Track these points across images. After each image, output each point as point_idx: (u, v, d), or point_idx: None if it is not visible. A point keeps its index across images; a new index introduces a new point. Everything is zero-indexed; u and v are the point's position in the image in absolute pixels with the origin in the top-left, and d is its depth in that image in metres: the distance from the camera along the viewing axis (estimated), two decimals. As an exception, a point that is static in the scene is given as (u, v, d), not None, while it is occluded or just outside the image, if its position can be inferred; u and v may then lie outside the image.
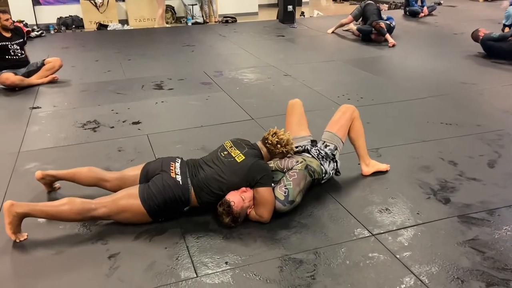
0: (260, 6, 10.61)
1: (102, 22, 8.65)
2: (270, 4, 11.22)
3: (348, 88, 4.59)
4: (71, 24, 8.64)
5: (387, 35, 6.65)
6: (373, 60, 5.88)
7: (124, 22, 8.97)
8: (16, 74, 4.72)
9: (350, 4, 11.48)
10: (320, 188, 2.65)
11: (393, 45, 6.53)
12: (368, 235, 2.22)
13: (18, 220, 2.17)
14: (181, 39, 7.44)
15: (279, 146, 2.43)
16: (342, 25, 7.57)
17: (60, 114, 4.01)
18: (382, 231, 2.25)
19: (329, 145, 2.63)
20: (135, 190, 2.25)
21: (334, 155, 2.62)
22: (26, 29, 6.99)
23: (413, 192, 2.61)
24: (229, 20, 9.15)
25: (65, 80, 5.04)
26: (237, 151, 2.38)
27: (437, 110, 3.93)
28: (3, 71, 4.69)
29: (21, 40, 4.89)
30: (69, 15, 8.75)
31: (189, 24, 9.01)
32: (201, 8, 9.19)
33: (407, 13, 9.07)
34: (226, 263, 2.03)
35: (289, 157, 2.53)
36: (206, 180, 2.29)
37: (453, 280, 1.91)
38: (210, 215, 2.37)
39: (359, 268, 1.99)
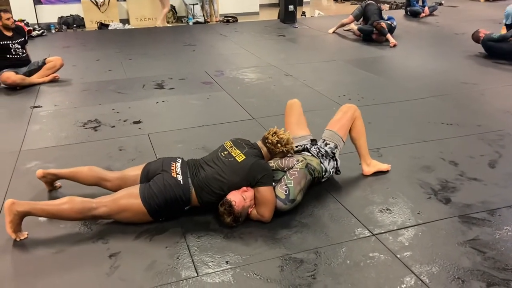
0: (261, 5, 10.61)
1: (103, 22, 8.66)
2: (271, 4, 11.22)
3: (349, 88, 4.59)
4: (72, 23, 8.64)
5: (388, 35, 6.64)
6: (374, 60, 5.87)
7: (125, 21, 8.97)
8: (17, 73, 4.73)
9: (351, 4, 11.48)
10: (320, 188, 2.65)
11: (394, 45, 6.52)
12: (368, 234, 2.22)
13: (19, 218, 2.17)
14: (182, 38, 7.44)
15: (279, 145, 2.43)
16: (343, 25, 7.57)
17: (61, 113, 4.02)
18: (382, 231, 2.25)
19: (329, 144, 2.63)
20: (135, 189, 2.26)
21: (334, 153, 2.62)
22: (27, 28, 6.99)
23: (413, 192, 2.61)
24: (230, 19, 9.16)
25: (66, 79, 5.04)
26: (238, 150, 2.38)
27: (438, 110, 3.93)
28: (4, 70, 4.69)
29: (23, 39, 4.89)
30: (70, 15, 8.76)
31: (190, 23, 9.02)
32: (202, 7, 9.20)
33: (408, 13, 9.07)
34: (227, 262, 2.04)
35: (289, 156, 2.53)
36: (207, 180, 2.29)
37: (453, 280, 1.91)
38: (211, 215, 2.37)
39: (359, 267, 1.99)
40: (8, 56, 4.75)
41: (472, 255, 2.06)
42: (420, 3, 9.06)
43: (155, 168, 2.36)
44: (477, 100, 4.22)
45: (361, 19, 7.34)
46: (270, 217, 2.29)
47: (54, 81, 4.96)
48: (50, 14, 8.67)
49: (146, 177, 2.35)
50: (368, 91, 4.47)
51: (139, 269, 2.00)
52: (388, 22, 6.83)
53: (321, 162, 2.56)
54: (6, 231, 2.17)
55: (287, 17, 8.61)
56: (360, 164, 2.82)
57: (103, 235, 2.23)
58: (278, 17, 9.07)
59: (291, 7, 8.55)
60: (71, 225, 2.31)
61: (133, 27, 8.73)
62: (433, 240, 2.18)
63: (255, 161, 2.32)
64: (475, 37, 5.98)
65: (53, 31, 8.31)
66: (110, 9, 8.79)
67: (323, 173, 2.56)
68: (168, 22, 9.11)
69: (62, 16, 8.70)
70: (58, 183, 2.67)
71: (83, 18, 8.75)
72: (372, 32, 6.82)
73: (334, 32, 7.65)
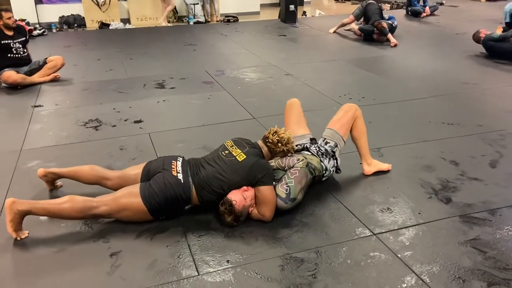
0: (262, 5, 10.61)
1: (104, 21, 8.67)
2: (272, 3, 11.22)
3: (350, 88, 4.59)
4: (73, 23, 8.65)
5: (389, 35, 6.64)
6: (375, 60, 5.87)
7: (126, 21, 8.97)
8: (18, 72, 4.73)
9: (352, 4, 11.47)
10: (321, 187, 2.65)
11: (395, 45, 6.52)
12: (369, 234, 2.22)
13: (20, 217, 2.17)
14: (182, 38, 7.45)
15: (279, 144, 2.43)
16: (343, 25, 7.56)
17: (62, 113, 4.02)
18: (383, 231, 2.25)
19: (329, 142, 2.63)
20: (136, 188, 2.26)
21: (334, 152, 2.62)
22: (28, 27, 6.99)
23: (414, 191, 2.61)
24: (230, 19, 9.16)
25: (67, 79, 5.05)
26: (238, 150, 2.38)
27: (438, 110, 3.93)
28: (5, 69, 4.70)
29: (24, 38, 4.90)
30: (71, 14, 8.76)
31: (191, 23, 9.02)
32: (203, 7, 9.20)
33: (409, 13, 9.06)
34: (228, 261, 2.04)
35: (290, 155, 2.53)
36: (208, 179, 2.29)
37: (454, 279, 1.91)
38: (212, 214, 2.37)
39: (360, 267, 1.99)
40: (9, 55, 4.75)
41: (473, 254, 2.06)
42: (421, 2, 9.06)
43: (156, 167, 2.36)
44: (478, 100, 4.22)
45: (362, 18, 7.33)
46: (271, 216, 2.30)
47: (55, 80, 4.96)
48: (51, 13, 8.67)
49: (147, 175, 2.35)
50: (368, 91, 4.47)
51: (140, 268, 2.00)
52: (389, 21, 6.82)
53: (321, 161, 2.56)
54: (7, 230, 2.17)
55: (288, 17, 8.61)
56: (361, 163, 2.82)
57: (104, 234, 2.24)
58: (279, 17, 9.07)
59: (292, 7, 8.55)
60: (72, 224, 2.31)
61: (134, 27, 8.73)
62: (434, 239, 2.18)
63: (255, 161, 2.33)
64: (476, 38, 5.98)
65: (54, 30, 8.31)
66: (111, 9, 8.79)
67: (324, 172, 2.56)
68: (169, 22, 9.11)
69: (63, 16, 8.70)
70: (59, 182, 2.67)
71: (84, 17, 8.76)
72: (373, 32, 6.82)
73: (334, 32, 7.64)
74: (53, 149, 3.27)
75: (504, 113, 3.85)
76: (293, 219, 2.35)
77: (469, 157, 3.03)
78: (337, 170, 2.67)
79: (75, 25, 8.64)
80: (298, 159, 2.47)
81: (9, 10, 4.89)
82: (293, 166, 2.44)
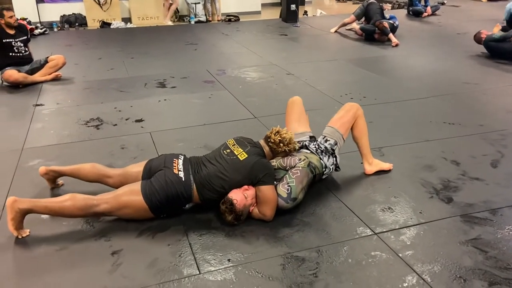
0: (263, 5, 10.61)
1: (105, 20, 8.67)
2: (273, 3, 11.21)
3: (351, 88, 4.59)
4: (74, 22, 8.65)
5: (390, 35, 6.64)
6: (376, 59, 5.87)
7: (127, 20, 8.97)
8: (19, 71, 4.74)
9: (353, 4, 11.46)
10: (322, 187, 2.66)
11: (396, 45, 6.51)
12: (370, 233, 2.22)
13: (21, 216, 2.18)
14: (184, 37, 7.45)
15: (281, 145, 2.43)
16: (344, 25, 7.56)
17: (63, 112, 4.02)
18: (384, 230, 2.25)
19: (329, 140, 2.63)
20: (137, 186, 2.26)
21: (333, 150, 2.62)
22: (29, 26, 7.00)
23: (415, 191, 2.61)
24: (232, 18, 9.16)
25: (68, 78, 5.05)
26: (240, 149, 2.38)
27: (440, 110, 3.93)
28: (6, 68, 4.70)
29: (25, 37, 4.90)
30: (72, 13, 8.76)
31: (192, 22, 9.02)
32: (204, 6, 9.20)
33: (411, 12, 9.05)
34: (229, 260, 2.04)
35: (291, 155, 2.53)
36: (209, 178, 2.30)
37: (455, 279, 1.91)
38: (213, 213, 2.37)
39: (361, 266, 1.99)
40: (10, 54, 4.75)
41: (474, 254, 2.06)
42: (423, 2, 9.05)
43: (157, 165, 2.36)
44: (479, 100, 4.22)
45: (363, 18, 7.33)
46: (272, 215, 2.30)
47: (56, 79, 4.97)
48: (52, 12, 8.67)
49: (148, 173, 2.35)
50: (369, 91, 4.47)
51: (141, 267, 2.00)
52: (390, 21, 6.82)
53: (320, 159, 2.56)
54: (8, 229, 2.18)
55: (289, 16, 8.61)
56: (362, 163, 2.82)
57: (105, 233, 2.24)
58: (280, 16, 9.07)
59: (293, 6, 8.55)
60: (74, 223, 2.31)
61: (135, 26, 8.73)
62: (435, 239, 2.18)
63: (257, 160, 2.33)
64: (477, 38, 5.98)
65: (55, 29, 8.31)
66: (112, 8, 8.79)
67: (323, 170, 2.56)
68: (165, 21, 9.12)
69: (64, 15, 8.70)
70: (60, 180, 2.68)
71: (85, 16, 8.76)
72: (374, 32, 6.81)
73: (336, 31, 7.64)
74: (54, 148, 3.27)
75: (505, 113, 3.84)
76: (294, 219, 2.35)
77: (470, 157, 3.03)
78: (337, 168, 2.67)
79: (77, 24, 8.64)
80: (300, 159, 2.47)
81: (10, 8, 4.89)
82: (294, 166, 2.44)
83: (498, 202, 2.49)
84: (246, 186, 2.30)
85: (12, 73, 4.64)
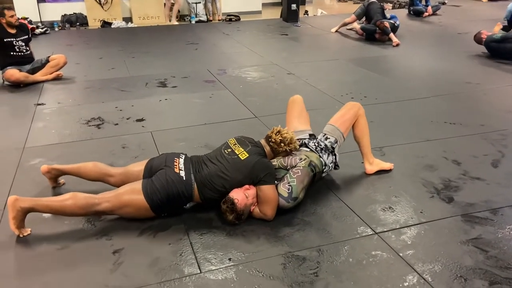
0: (264, 4, 10.60)
1: (106, 20, 8.67)
2: (274, 2, 11.21)
3: (352, 87, 4.59)
4: (75, 21, 8.66)
5: (391, 35, 6.64)
6: (377, 59, 5.87)
7: (128, 19, 8.98)
8: (20, 70, 4.74)
9: (354, 3, 11.45)
10: (323, 186, 2.66)
11: (397, 45, 6.51)
12: (371, 233, 2.23)
13: (22, 215, 2.18)
14: (184, 37, 7.45)
15: (282, 144, 2.43)
16: (345, 24, 7.56)
17: (64, 111, 4.03)
18: (385, 230, 2.25)
19: (329, 138, 2.63)
20: (138, 185, 2.26)
21: (333, 148, 2.62)
22: (30, 26, 7.01)
23: (416, 191, 2.62)
24: (232, 18, 9.15)
25: (69, 77, 5.06)
26: (241, 148, 2.38)
27: (440, 110, 3.93)
28: (7, 67, 4.71)
29: (26, 36, 4.90)
30: (73, 13, 8.76)
31: (193, 22, 9.02)
32: (205, 6, 9.20)
33: (411, 12, 9.05)
34: (230, 259, 2.04)
35: (292, 155, 2.53)
36: (210, 177, 2.30)
37: (456, 278, 1.91)
38: (214, 212, 2.37)
39: (362, 265, 2.00)
40: (12, 53, 4.76)
41: (475, 254, 2.06)
42: (423, 2, 9.05)
43: (158, 164, 2.37)
44: (480, 100, 4.22)
45: (364, 18, 7.32)
46: (272, 215, 2.30)
47: (57, 78, 4.97)
48: (53, 12, 8.67)
49: (149, 172, 2.36)
50: (370, 90, 4.47)
51: (143, 266, 2.01)
52: (391, 21, 6.82)
53: (320, 156, 2.56)
54: (10, 227, 2.18)
55: (290, 16, 8.61)
56: (362, 162, 2.82)
57: (106, 232, 2.24)
58: (281, 16, 9.07)
59: (293, 6, 8.54)
60: (75, 222, 2.32)
61: (136, 26, 8.74)
62: (436, 238, 2.18)
63: (258, 160, 2.33)
64: (477, 39, 5.97)
65: (56, 29, 8.31)
66: (113, 8, 8.79)
67: (323, 168, 2.56)
68: (170, 21, 9.12)
69: (65, 14, 8.70)
70: (62, 179, 2.68)
71: (86, 16, 8.76)
72: (375, 32, 6.81)
73: (336, 31, 7.64)
74: (55, 147, 3.27)
75: (506, 113, 3.85)
76: (295, 218, 2.35)
77: (471, 157, 3.03)
78: (336, 166, 2.67)
79: (77, 23, 8.65)
80: (301, 159, 2.47)
81: (11, 8, 4.90)
82: (295, 166, 2.44)
83: (498, 201, 2.49)
84: (247, 186, 2.31)
85: (13, 73, 4.64)
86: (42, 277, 1.96)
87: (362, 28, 7.05)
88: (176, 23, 8.85)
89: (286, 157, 2.52)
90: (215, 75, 5.09)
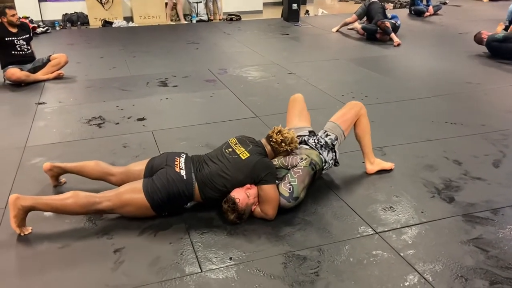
0: (265, 4, 10.60)
1: (107, 19, 8.68)
2: (274, 2, 11.20)
3: (352, 87, 4.59)
4: (76, 20, 8.66)
5: (392, 34, 6.63)
6: (378, 59, 5.87)
7: (129, 19, 8.98)
8: (22, 69, 4.74)
9: (355, 3, 11.45)
10: (324, 186, 2.66)
11: (398, 44, 6.51)
12: (372, 233, 2.23)
13: (24, 213, 2.19)
14: (185, 36, 7.45)
15: (283, 144, 2.43)
16: (346, 24, 7.55)
17: (65, 110, 4.03)
18: (386, 229, 2.25)
19: (330, 135, 2.63)
20: (139, 184, 2.27)
21: (333, 145, 2.62)
22: (31, 25, 7.01)
23: (417, 190, 2.62)
24: (233, 18, 9.16)
25: (70, 76, 5.06)
26: (242, 148, 2.38)
27: (441, 110, 3.93)
28: (9, 66, 4.71)
29: (27, 35, 4.91)
30: (74, 12, 8.77)
31: (194, 21, 9.02)
32: (206, 5, 9.21)
33: (412, 12, 9.05)
34: (231, 258, 2.04)
35: (292, 154, 2.53)
36: (211, 176, 2.30)
37: (457, 278, 1.91)
38: (215, 211, 2.38)
39: (363, 265, 2.00)
40: (13, 52, 4.76)
41: (475, 253, 2.06)
42: (424, 2, 9.04)
43: (159, 163, 2.37)
44: (481, 100, 4.22)
45: (365, 18, 7.32)
46: (274, 214, 2.30)
47: (58, 78, 4.97)
48: (54, 11, 8.68)
49: (150, 171, 2.36)
50: (371, 90, 4.47)
51: (144, 265, 2.01)
52: (392, 21, 6.81)
53: (320, 153, 2.56)
54: (11, 226, 2.18)
55: (291, 16, 8.61)
56: (363, 162, 2.82)
57: (107, 231, 2.25)
58: (282, 16, 9.07)
59: (294, 6, 8.54)
60: (76, 221, 2.32)
61: (136, 25, 8.74)
62: (437, 238, 2.18)
63: (259, 159, 2.33)
64: (478, 39, 5.97)
65: (57, 28, 8.32)
66: (114, 7, 8.80)
67: (323, 165, 2.56)
68: (171, 20, 9.13)
69: (66, 14, 8.71)
70: (63, 178, 2.68)
71: (87, 15, 8.77)
72: (376, 31, 6.81)
73: (337, 31, 7.64)
74: (56, 146, 3.28)
75: (507, 113, 3.84)
76: (295, 217, 2.35)
77: (472, 157, 3.03)
78: (336, 163, 2.67)
79: (78, 23, 8.65)
80: (302, 158, 2.47)
81: (13, 7, 4.90)
82: (296, 165, 2.44)
83: (499, 201, 2.49)
84: (248, 185, 2.31)
85: (14, 72, 4.65)
86: (43, 275, 1.97)
87: (363, 28, 7.05)
88: (185, 22, 8.86)
89: (287, 157, 2.52)
90: (216, 75, 5.09)
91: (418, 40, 6.98)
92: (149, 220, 2.30)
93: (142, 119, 3.78)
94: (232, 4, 9.75)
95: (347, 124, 2.67)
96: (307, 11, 9.82)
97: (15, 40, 4.76)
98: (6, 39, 4.69)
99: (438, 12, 9.13)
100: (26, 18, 7.83)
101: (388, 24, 6.63)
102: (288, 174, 2.39)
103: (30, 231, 2.23)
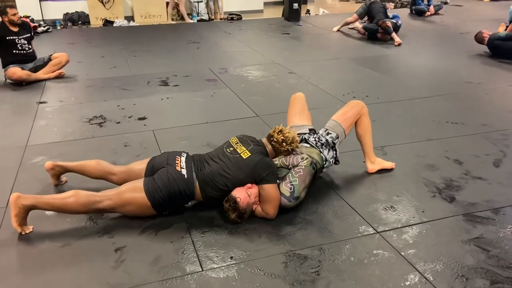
0: (266, 3, 10.60)
1: (108, 19, 8.68)
2: (275, 1, 11.20)
3: (353, 86, 4.59)
4: (77, 20, 8.67)
5: (393, 34, 6.63)
6: (379, 58, 5.87)
7: (130, 18, 8.99)
8: (23, 69, 4.75)
9: (356, 2, 11.44)
10: (325, 185, 2.66)
11: (399, 44, 6.51)
12: (372, 232, 2.23)
13: (25, 212, 2.19)
14: (186, 36, 7.45)
15: (284, 144, 2.43)
16: (347, 24, 7.55)
17: (66, 109, 4.04)
18: (387, 229, 2.25)
19: (331, 133, 2.63)
20: (140, 183, 2.27)
21: (334, 143, 2.62)
22: (32, 24, 7.01)
23: (418, 190, 2.62)
24: (234, 17, 9.15)
25: (71, 76, 5.07)
26: (243, 147, 2.38)
27: (442, 109, 3.93)
28: (10, 65, 4.72)
29: (29, 35, 4.91)
30: (76, 11, 8.78)
31: (195, 21, 9.02)
32: (207, 5, 9.21)
33: (413, 11, 9.04)
34: (231, 258, 2.05)
35: (293, 154, 2.53)
36: (212, 175, 2.30)
37: (457, 277, 1.91)
38: (215, 211, 2.38)
39: (363, 264, 2.00)
40: (14, 51, 4.77)
41: (476, 253, 2.06)
42: (425, 1, 9.03)
43: (160, 162, 2.37)
44: (482, 100, 4.22)
45: (366, 17, 7.31)
46: (275, 214, 2.30)
47: (59, 77, 4.98)
48: (56, 10, 8.69)
49: (151, 170, 2.36)
50: (372, 90, 4.47)
51: (145, 264, 2.01)
52: (393, 20, 6.81)
53: (320, 152, 2.56)
54: (12, 225, 2.19)
55: (292, 15, 8.61)
56: (364, 161, 2.82)
57: (108, 230, 2.25)
58: (283, 15, 9.07)
59: (295, 5, 8.54)
60: (77, 219, 2.32)
61: (137, 24, 8.75)
62: (437, 238, 2.18)
63: (260, 159, 2.33)
64: (479, 38, 5.95)
65: (58, 27, 8.33)
66: (115, 6, 8.80)
67: (324, 163, 2.56)
68: (172, 20, 9.13)
69: (67, 13, 8.72)
70: (64, 178, 2.69)
71: (88, 15, 8.78)
72: (377, 31, 6.80)
73: (338, 30, 7.64)
74: (57, 145, 3.28)
75: (508, 112, 3.84)
76: (296, 217, 2.35)
77: (472, 156, 3.03)
78: (336, 161, 2.67)
79: (79, 22, 8.66)
80: (303, 158, 2.47)
81: (14, 6, 4.90)
82: (297, 165, 2.44)
83: (500, 201, 2.49)
84: (249, 185, 2.31)
85: (15, 71, 4.65)
86: (44, 274, 1.97)
87: (364, 28, 7.05)
88: (191, 21, 8.87)
89: (288, 156, 2.52)
90: (216, 74, 5.09)
91: (419, 39, 6.98)
92: (150, 219, 2.30)
93: (143, 118, 3.78)
94: (233, 4, 9.75)
95: (348, 122, 2.67)
96: (308, 11, 9.82)
97: (16, 39, 4.76)
98: (7, 38, 4.70)
99: (439, 11, 9.12)
100: (27, 17, 7.83)
101: (389, 23, 6.63)
102: (289, 174, 2.39)
103: (31, 230, 2.23)
